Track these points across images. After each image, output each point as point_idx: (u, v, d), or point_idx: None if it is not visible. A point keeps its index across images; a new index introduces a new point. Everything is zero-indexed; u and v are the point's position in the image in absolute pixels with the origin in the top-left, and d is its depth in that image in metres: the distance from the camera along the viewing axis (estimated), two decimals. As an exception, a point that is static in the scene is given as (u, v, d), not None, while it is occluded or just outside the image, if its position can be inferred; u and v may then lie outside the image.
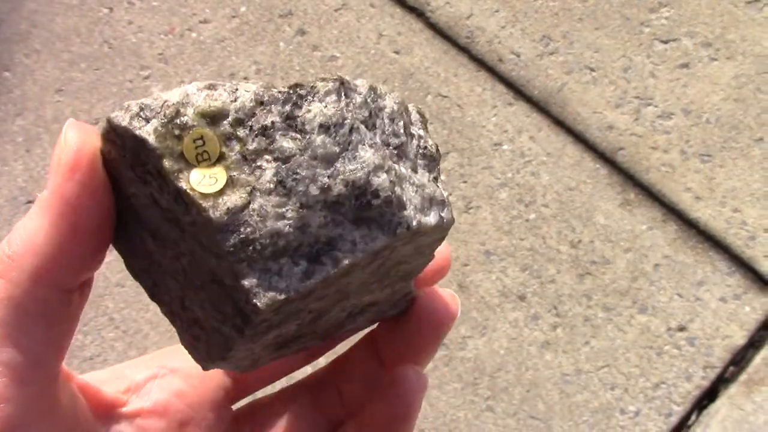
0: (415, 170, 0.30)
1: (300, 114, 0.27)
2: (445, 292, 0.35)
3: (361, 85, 0.29)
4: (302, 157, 0.27)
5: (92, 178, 0.26)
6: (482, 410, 0.89)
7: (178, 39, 1.10)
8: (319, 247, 0.27)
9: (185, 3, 1.12)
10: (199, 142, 0.26)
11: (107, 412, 0.32)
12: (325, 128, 0.27)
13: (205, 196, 0.26)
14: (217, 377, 0.35)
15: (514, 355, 0.91)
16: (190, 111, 0.26)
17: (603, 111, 1.03)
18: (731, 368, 0.90)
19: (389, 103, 0.29)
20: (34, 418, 0.26)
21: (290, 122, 0.27)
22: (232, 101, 0.27)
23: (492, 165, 1.01)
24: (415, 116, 0.31)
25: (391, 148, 0.29)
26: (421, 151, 0.31)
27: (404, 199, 0.28)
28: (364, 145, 0.27)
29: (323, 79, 0.28)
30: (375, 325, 0.36)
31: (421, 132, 0.31)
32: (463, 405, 0.90)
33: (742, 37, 1.07)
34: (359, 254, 0.27)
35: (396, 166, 0.28)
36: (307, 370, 0.39)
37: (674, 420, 0.88)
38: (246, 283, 0.26)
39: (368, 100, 0.28)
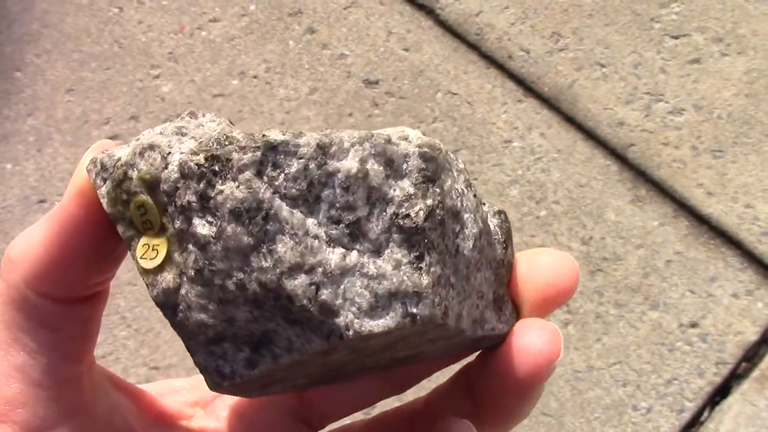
0: (378, 252, 0.24)
1: (213, 194, 0.23)
2: (545, 328, 0.27)
3: (305, 144, 0.23)
4: (216, 247, 0.23)
5: (96, 205, 0.26)
6: (494, 407, 0.89)
7: (187, 38, 1.10)
8: (256, 339, 0.24)
9: (195, 2, 1.12)
10: (142, 210, 0.24)
11: (168, 422, 0.31)
12: (236, 215, 0.23)
13: (146, 271, 0.24)
14: (282, 399, 0.33)
15: (526, 352, 0.91)
16: (134, 175, 0.24)
17: (613, 107, 1.03)
18: (744, 364, 0.90)
19: (347, 164, 0.23)
20: (52, 422, 0.26)
21: (205, 203, 0.23)
22: (163, 168, 0.24)
23: (502, 162, 1.00)
24: (413, 163, 0.24)
25: (342, 226, 0.23)
26: (399, 221, 0.24)
27: (335, 303, 0.23)
28: (283, 235, 0.23)
29: (242, 148, 0.23)
30: (474, 356, 0.30)
31: (412, 189, 0.24)
32: (474, 402, 0.90)
33: (754, 32, 1.07)
34: (296, 355, 0.23)
35: (333, 255, 0.23)
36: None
37: (686, 416, 0.88)
38: (196, 359, 0.25)
39: (310, 167, 0.23)
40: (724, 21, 1.08)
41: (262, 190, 0.23)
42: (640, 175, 0.99)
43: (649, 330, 0.92)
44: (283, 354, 0.24)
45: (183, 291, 0.24)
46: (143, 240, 0.24)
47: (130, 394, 0.30)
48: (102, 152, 0.25)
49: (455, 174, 0.26)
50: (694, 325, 0.92)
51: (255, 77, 1.07)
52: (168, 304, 0.24)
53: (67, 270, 0.26)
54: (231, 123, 0.26)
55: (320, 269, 0.23)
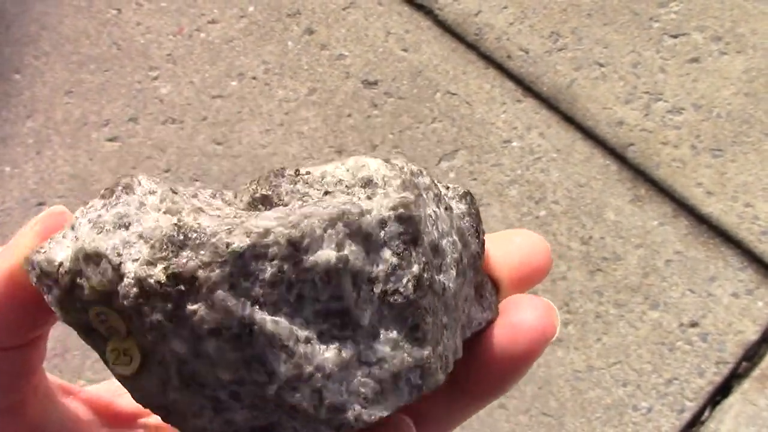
0: (373, 335, 0.22)
1: (185, 314, 0.21)
2: (538, 304, 0.26)
3: (275, 242, 0.21)
4: (198, 362, 0.21)
5: (26, 289, 0.24)
6: (494, 407, 0.89)
7: (186, 39, 1.10)
8: (259, 428, 0.23)
9: (193, 3, 1.12)
10: (103, 317, 0.22)
11: (124, 422, 0.30)
12: (215, 333, 0.21)
13: (123, 377, 0.22)
14: None
15: (526, 353, 0.91)
16: (85, 284, 0.22)
17: (613, 107, 1.03)
18: (744, 364, 0.90)
19: (324, 255, 0.22)
20: None
21: (177, 321, 0.21)
22: (118, 281, 0.21)
23: (501, 162, 1.00)
24: (391, 230, 0.22)
25: (331, 319, 0.22)
26: (389, 299, 0.22)
27: (341, 399, 0.22)
28: (273, 348, 0.21)
29: (207, 265, 0.21)
30: None
31: (395, 260, 0.22)
32: (474, 402, 0.90)
33: (752, 31, 1.06)
34: None
35: (328, 354, 0.22)
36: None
37: (687, 416, 0.88)
38: None
39: (285, 268, 0.21)
40: (723, 20, 1.07)
41: (240, 307, 0.21)
42: (640, 174, 0.99)
43: (649, 330, 0.92)
44: None
45: (171, 397, 0.22)
46: (111, 345, 0.22)
47: (84, 401, 0.30)
48: (37, 252, 0.23)
49: (424, 196, 0.24)
50: (694, 325, 0.92)
51: (254, 78, 1.07)
52: (156, 405, 0.23)
53: None
54: (174, 191, 0.23)
55: (319, 374, 0.22)
